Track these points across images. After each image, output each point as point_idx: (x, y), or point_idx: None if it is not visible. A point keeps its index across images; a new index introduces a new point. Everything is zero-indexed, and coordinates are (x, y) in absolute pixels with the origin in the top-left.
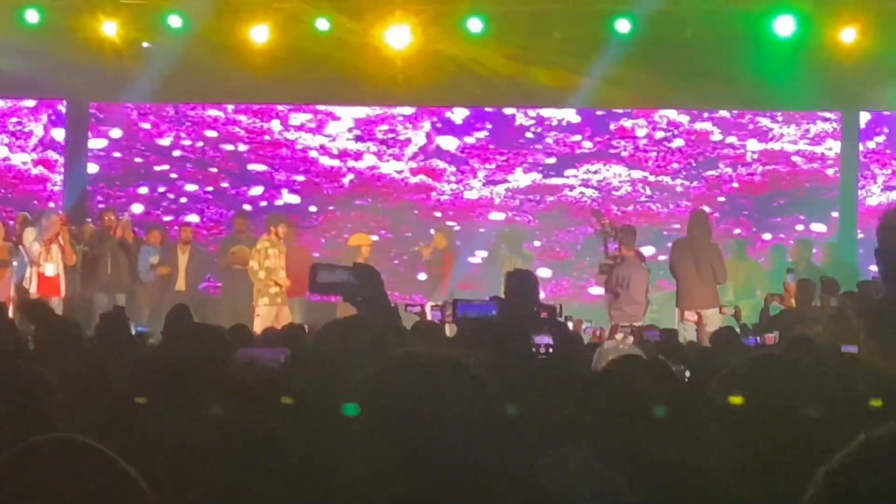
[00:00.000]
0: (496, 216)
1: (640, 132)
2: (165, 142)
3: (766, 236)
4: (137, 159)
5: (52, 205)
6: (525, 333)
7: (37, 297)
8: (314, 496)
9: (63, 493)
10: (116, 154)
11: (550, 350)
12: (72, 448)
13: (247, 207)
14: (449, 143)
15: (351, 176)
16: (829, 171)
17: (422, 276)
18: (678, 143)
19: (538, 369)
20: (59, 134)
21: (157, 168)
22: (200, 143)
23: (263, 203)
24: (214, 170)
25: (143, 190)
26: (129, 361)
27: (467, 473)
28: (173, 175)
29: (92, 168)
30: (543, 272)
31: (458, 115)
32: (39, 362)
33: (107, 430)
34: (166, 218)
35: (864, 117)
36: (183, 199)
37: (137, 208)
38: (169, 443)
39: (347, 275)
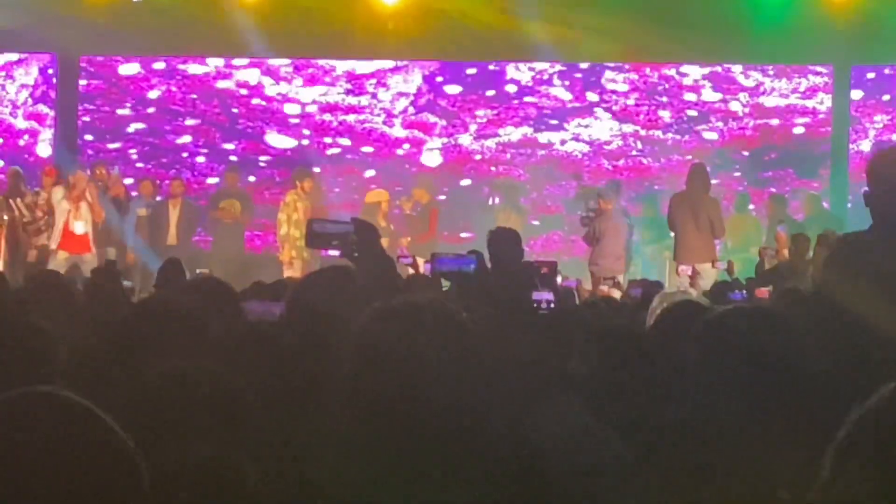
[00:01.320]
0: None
1: (631, 86)
2: (155, 95)
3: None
4: (128, 113)
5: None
6: (522, 288)
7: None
8: (301, 449)
9: (41, 447)
10: (106, 108)
11: (552, 305)
12: (52, 401)
13: (235, 161)
14: (440, 97)
15: (341, 130)
16: (821, 127)
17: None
18: (668, 97)
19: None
20: (48, 88)
21: (147, 122)
22: (191, 97)
23: (253, 157)
24: (205, 124)
25: (133, 144)
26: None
27: (454, 423)
28: (164, 129)
29: (82, 122)
30: (533, 227)
31: (449, 68)
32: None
33: (102, 381)
34: (156, 172)
35: (856, 71)
36: (173, 153)
37: (127, 162)
38: (160, 393)
39: (344, 229)
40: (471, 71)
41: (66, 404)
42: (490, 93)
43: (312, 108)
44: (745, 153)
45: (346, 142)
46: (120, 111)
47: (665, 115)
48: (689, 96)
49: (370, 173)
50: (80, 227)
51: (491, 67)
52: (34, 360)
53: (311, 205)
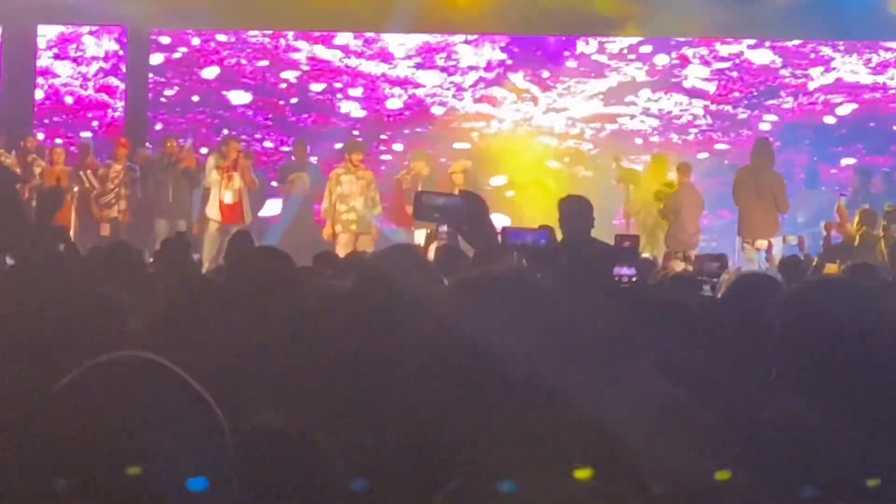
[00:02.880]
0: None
1: (701, 61)
2: (225, 69)
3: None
4: (198, 86)
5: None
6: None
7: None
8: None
9: (132, 410)
10: (176, 81)
11: (633, 280)
12: (142, 365)
13: (304, 134)
14: (510, 70)
15: (410, 104)
16: (892, 102)
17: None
18: (739, 72)
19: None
20: (119, 61)
21: (217, 94)
22: (261, 70)
23: (322, 130)
24: (274, 97)
25: (203, 117)
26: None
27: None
28: (234, 102)
29: (152, 94)
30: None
31: (519, 42)
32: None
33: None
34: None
35: None
36: (242, 126)
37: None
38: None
39: (452, 201)
40: (541, 45)
41: (158, 369)
42: (560, 66)
43: (382, 82)
44: (815, 128)
45: (415, 115)
46: (190, 84)
47: (735, 89)
48: (760, 71)
49: (437, 146)
50: (229, 196)
51: (565, 39)
52: (107, 329)
53: (361, 178)
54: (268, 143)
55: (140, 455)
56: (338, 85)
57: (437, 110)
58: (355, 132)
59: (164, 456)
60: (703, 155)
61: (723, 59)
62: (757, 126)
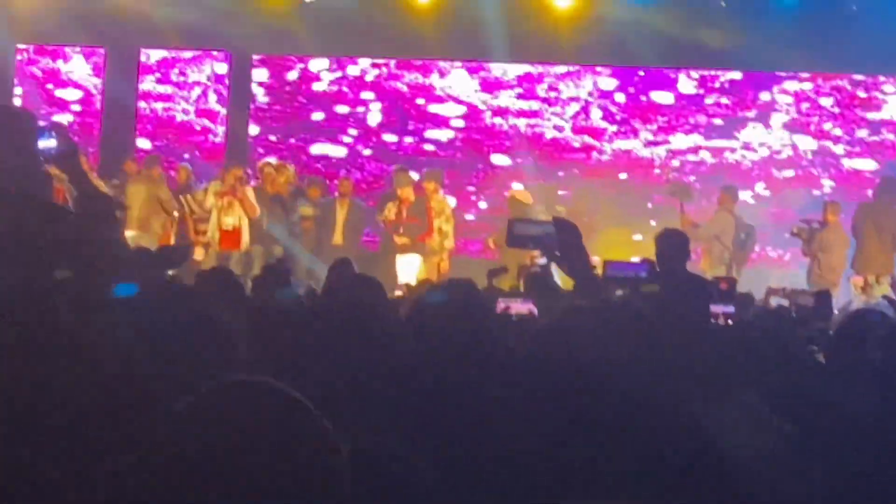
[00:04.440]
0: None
1: (803, 96)
2: (327, 95)
3: None
4: (298, 112)
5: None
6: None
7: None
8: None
9: (254, 434)
10: (278, 106)
11: (730, 321)
12: (260, 389)
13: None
14: (610, 102)
15: (511, 134)
16: None
17: (401, 240)
18: (840, 108)
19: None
20: (221, 85)
21: (317, 121)
22: (362, 97)
23: (422, 159)
24: (375, 124)
25: (304, 143)
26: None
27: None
28: (333, 128)
29: (253, 120)
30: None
31: (621, 74)
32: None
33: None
34: (326, 171)
35: None
36: (343, 153)
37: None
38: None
39: (545, 228)
40: (642, 76)
41: (275, 392)
42: (660, 99)
43: (484, 111)
44: None
45: (516, 145)
46: (291, 110)
47: (836, 126)
48: (862, 107)
49: (538, 176)
50: (228, 222)
51: (667, 72)
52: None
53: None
54: (368, 171)
55: (259, 477)
56: (437, 112)
57: (537, 140)
58: (454, 161)
59: (283, 478)
60: (799, 189)
61: (825, 93)
62: (859, 163)
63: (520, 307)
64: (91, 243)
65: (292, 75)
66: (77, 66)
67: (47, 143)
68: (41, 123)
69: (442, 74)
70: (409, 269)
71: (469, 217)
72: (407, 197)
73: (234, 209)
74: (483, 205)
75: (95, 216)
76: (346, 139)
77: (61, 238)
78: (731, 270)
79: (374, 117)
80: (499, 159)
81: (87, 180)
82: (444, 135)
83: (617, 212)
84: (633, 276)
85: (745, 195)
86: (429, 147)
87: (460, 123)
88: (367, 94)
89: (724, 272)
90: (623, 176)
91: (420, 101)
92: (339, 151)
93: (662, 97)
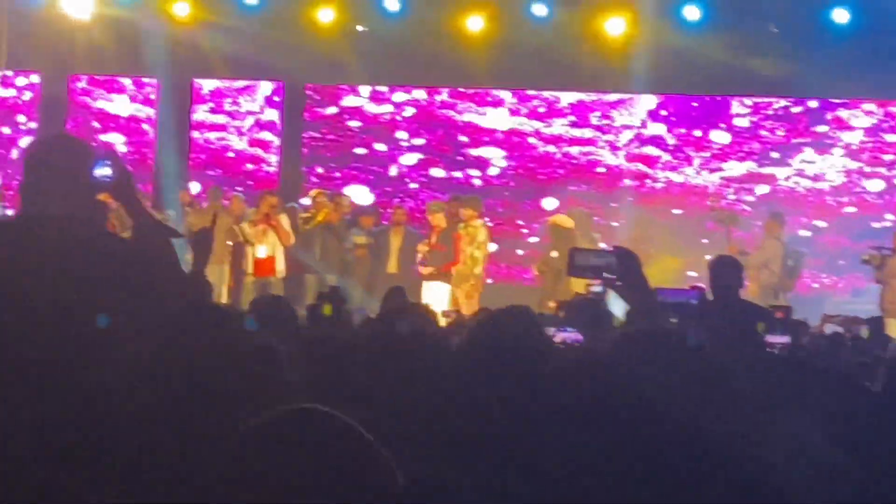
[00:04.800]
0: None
1: (856, 123)
2: (379, 125)
3: None
4: (352, 141)
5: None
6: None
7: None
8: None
9: (309, 461)
10: (331, 136)
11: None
12: (319, 418)
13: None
14: (664, 130)
15: (564, 162)
16: None
17: (426, 270)
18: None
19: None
20: (274, 115)
21: (371, 150)
22: (415, 127)
23: (475, 187)
24: (428, 153)
25: (357, 172)
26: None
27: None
28: (387, 157)
29: (307, 149)
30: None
31: (674, 102)
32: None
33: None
34: (380, 200)
35: None
36: (396, 182)
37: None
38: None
39: (606, 258)
40: (695, 104)
41: (333, 420)
42: (713, 126)
43: (535, 140)
44: None
45: (569, 173)
46: (344, 139)
47: (890, 152)
48: None
49: (592, 205)
50: (262, 250)
51: (719, 99)
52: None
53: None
54: (422, 199)
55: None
56: (489, 140)
57: (591, 168)
58: (506, 192)
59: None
60: (851, 209)
61: (878, 120)
62: None
63: (564, 335)
64: (148, 273)
65: (345, 104)
66: (130, 96)
67: (102, 171)
68: (95, 152)
69: (494, 103)
70: (435, 297)
71: (518, 247)
72: (438, 224)
73: (269, 237)
74: (533, 239)
75: (152, 245)
76: (399, 168)
77: (118, 267)
78: (779, 297)
79: (427, 146)
80: (550, 188)
81: (143, 209)
82: (496, 163)
83: (670, 239)
84: (683, 303)
85: (799, 222)
86: (478, 174)
87: (513, 150)
88: (419, 123)
89: (772, 299)
90: (676, 203)
91: (472, 129)
92: (392, 180)
93: (716, 124)
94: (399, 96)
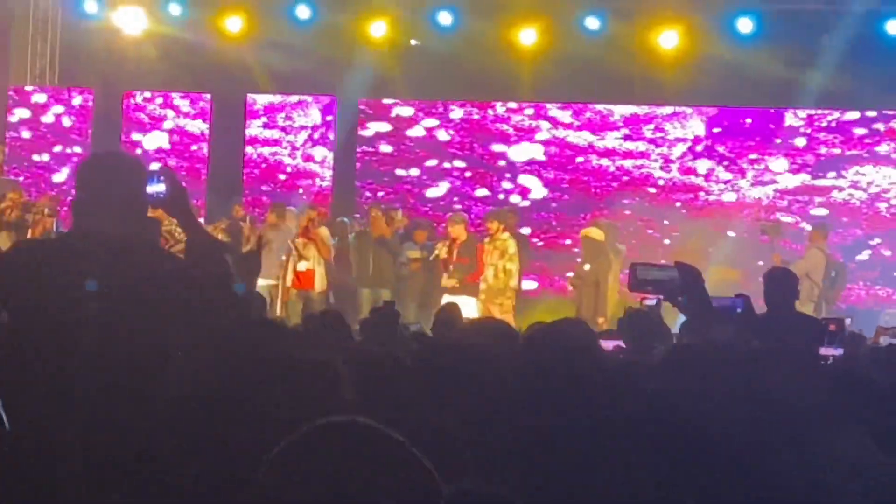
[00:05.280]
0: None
1: None
2: (433, 140)
3: None
4: (404, 156)
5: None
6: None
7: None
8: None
9: (355, 474)
10: (384, 151)
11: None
12: (362, 431)
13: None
14: (717, 142)
15: (617, 175)
16: None
17: (450, 282)
18: None
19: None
20: (327, 130)
21: (423, 164)
22: (469, 141)
23: (530, 200)
24: (481, 167)
25: (410, 186)
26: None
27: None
28: (441, 172)
29: (360, 164)
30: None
31: (727, 114)
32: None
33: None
34: (433, 214)
35: None
36: (448, 196)
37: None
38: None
39: (667, 273)
40: (748, 116)
41: (378, 434)
42: (768, 139)
43: (590, 153)
44: None
45: (623, 186)
46: (397, 154)
47: None
48: None
49: (645, 217)
50: (302, 264)
51: (773, 111)
52: (320, 394)
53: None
54: (474, 214)
55: None
56: (543, 153)
57: (644, 182)
58: (553, 204)
59: None
60: None
61: None
62: None
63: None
64: (202, 289)
65: (398, 118)
66: (183, 112)
67: (157, 187)
68: (148, 169)
69: (547, 116)
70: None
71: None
72: (458, 236)
73: (310, 250)
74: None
75: (206, 261)
76: (452, 182)
77: (171, 283)
78: (821, 307)
79: (480, 159)
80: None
81: (197, 225)
82: (548, 176)
83: (724, 252)
84: (728, 310)
85: (853, 234)
86: (531, 188)
87: (566, 164)
88: (472, 137)
89: (813, 310)
90: (729, 216)
91: (525, 142)
92: (445, 194)
93: (769, 137)
94: (451, 110)
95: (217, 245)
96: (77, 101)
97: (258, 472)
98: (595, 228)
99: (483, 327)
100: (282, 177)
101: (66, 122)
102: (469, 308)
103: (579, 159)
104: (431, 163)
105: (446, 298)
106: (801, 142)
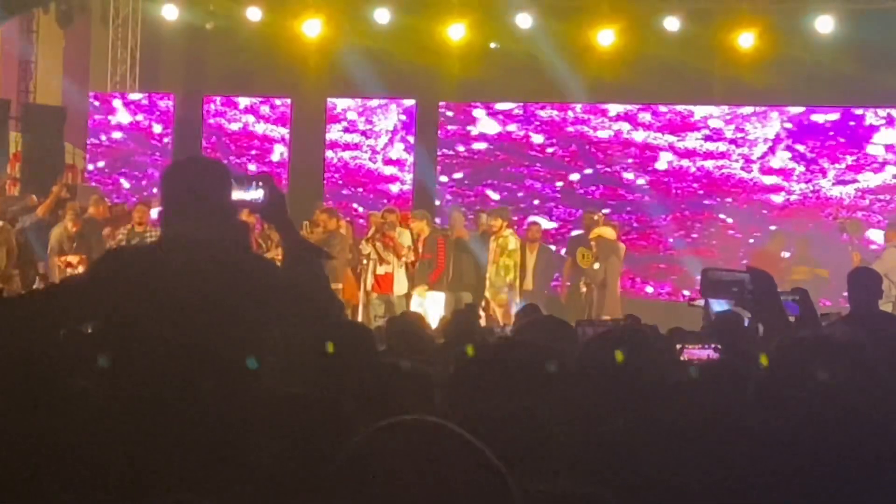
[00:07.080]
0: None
1: None
2: (513, 142)
3: None
4: (485, 158)
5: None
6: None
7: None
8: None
9: (423, 473)
10: (465, 153)
11: None
12: (433, 430)
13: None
14: (798, 142)
15: (698, 176)
16: None
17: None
18: None
19: None
20: (408, 133)
21: (504, 166)
22: (548, 142)
23: (612, 202)
24: (562, 169)
25: (492, 188)
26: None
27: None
28: (522, 173)
29: (440, 167)
30: None
31: (807, 114)
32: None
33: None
34: (515, 217)
35: None
36: (531, 198)
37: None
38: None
39: (739, 277)
40: (831, 116)
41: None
42: (849, 137)
43: (669, 154)
44: None
45: (703, 186)
46: (478, 157)
47: None
48: None
49: (726, 218)
50: (380, 268)
51: (854, 110)
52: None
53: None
54: (557, 216)
55: None
56: (622, 155)
57: (725, 182)
58: (628, 205)
59: None
60: None
61: None
62: None
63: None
64: (299, 293)
65: (478, 120)
66: (264, 116)
67: (255, 193)
68: (231, 173)
69: (627, 117)
70: (431, 306)
71: (656, 261)
72: (421, 231)
73: (388, 254)
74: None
75: (303, 265)
76: (534, 184)
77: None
78: None
79: (560, 161)
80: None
81: (294, 230)
82: (629, 178)
83: (806, 251)
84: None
85: None
86: (612, 189)
87: (648, 165)
88: (553, 139)
89: (892, 309)
90: (811, 215)
91: (604, 144)
92: (525, 196)
93: (850, 136)
94: (531, 112)
95: (314, 250)
96: (157, 105)
97: (327, 473)
98: (608, 228)
99: (540, 325)
100: (363, 178)
101: (151, 127)
102: (437, 304)
103: (663, 162)
104: (511, 164)
105: (415, 297)
106: (882, 140)
